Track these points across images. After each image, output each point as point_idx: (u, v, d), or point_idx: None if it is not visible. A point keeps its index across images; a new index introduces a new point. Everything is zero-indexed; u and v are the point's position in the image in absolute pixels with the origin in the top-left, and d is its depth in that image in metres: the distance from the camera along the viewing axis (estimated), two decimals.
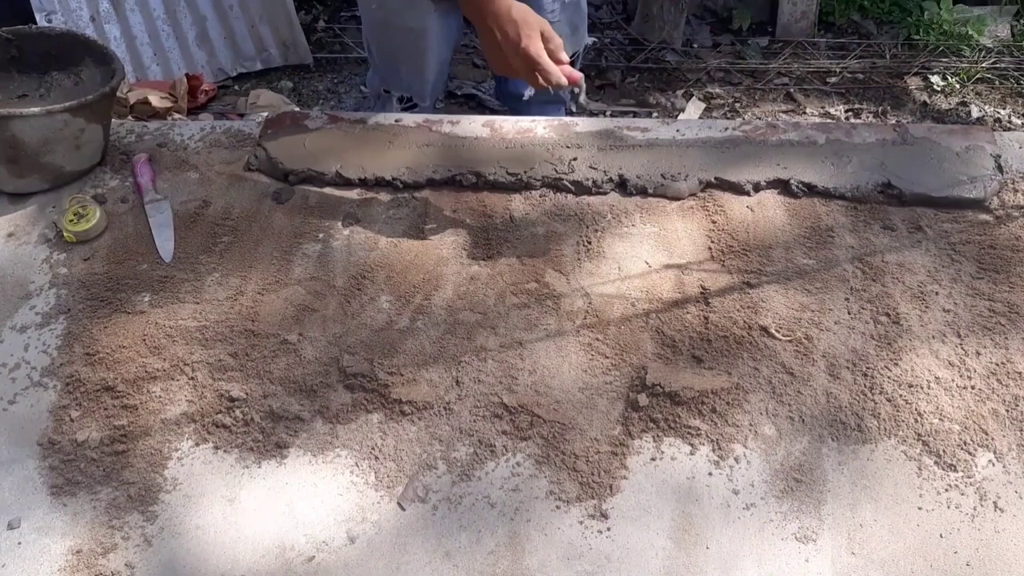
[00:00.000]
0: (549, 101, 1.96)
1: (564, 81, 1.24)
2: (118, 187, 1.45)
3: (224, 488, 1.06)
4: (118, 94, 1.65)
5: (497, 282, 1.27)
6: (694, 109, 2.68)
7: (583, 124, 1.52)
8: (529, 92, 1.88)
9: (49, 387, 1.16)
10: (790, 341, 1.17)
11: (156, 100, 2.39)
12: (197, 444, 1.10)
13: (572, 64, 1.92)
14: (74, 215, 1.35)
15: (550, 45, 1.24)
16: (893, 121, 2.62)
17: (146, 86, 2.51)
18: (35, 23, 2.39)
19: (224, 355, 1.18)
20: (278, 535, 1.01)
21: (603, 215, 1.37)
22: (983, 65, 2.79)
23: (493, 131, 1.51)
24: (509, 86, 1.96)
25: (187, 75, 2.60)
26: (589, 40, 2.04)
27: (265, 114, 1.65)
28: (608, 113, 1.24)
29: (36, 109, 1.35)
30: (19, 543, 1.01)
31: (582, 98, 1.30)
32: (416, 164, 1.44)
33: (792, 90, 2.78)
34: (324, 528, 1.02)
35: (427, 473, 1.06)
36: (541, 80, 1.24)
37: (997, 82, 2.76)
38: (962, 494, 1.02)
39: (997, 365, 1.14)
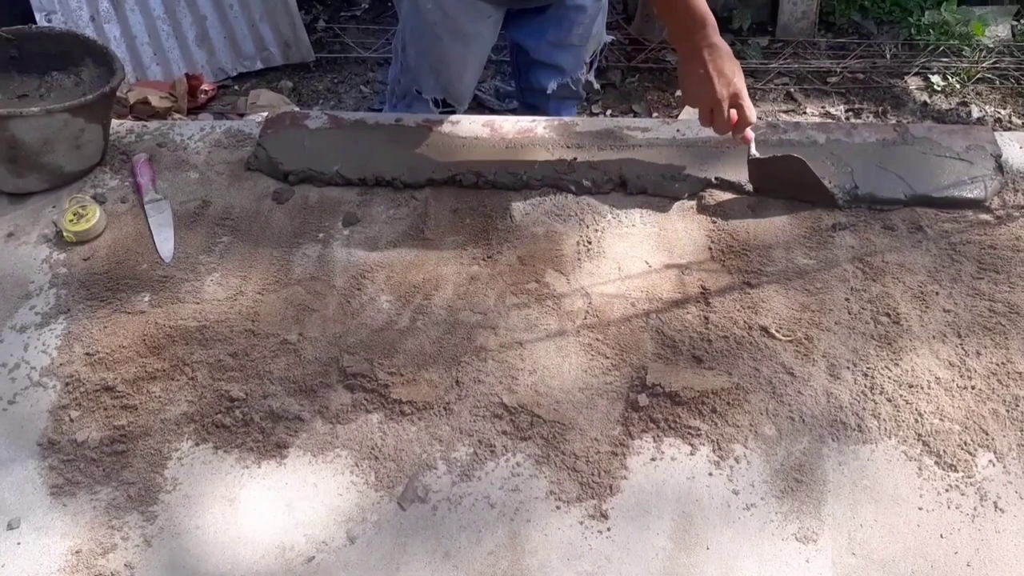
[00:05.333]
0: (568, 97, 1.98)
1: (754, 120, 1.33)
2: (118, 187, 1.45)
3: (224, 488, 1.06)
4: (118, 94, 1.65)
5: (497, 282, 1.27)
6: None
7: (583, 124, 1.52)
8: (552, 86, 1.91)
9: (49, 387, 1.16)
10: (790, 341, 1.17)
11: (156, 100, 2.39)
12: (197, 444, 1.10)
13: (591, 63, 1.96)
14: (74, 215, 1.35)
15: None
16: (893, 121, 2.62)
17: (146, 86, 2.51)
18: (35, 23, 2.39)
19: (224, 355, 1.18)
20: (278, 535, 1.01)
21: (603, 215, 1.37)
22: (983, 65, 2.79)
23: (493, 131, 1.51)
24: (531, 80, 1.98)
25: (187, 75, 2.60)
26: (608, 38, 2.05)
27: (265, 114, 1.65)
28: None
29: (36, 109, 1.35)
30: (19, 543, 1.01)
31: (753, 149, 1.36)
32: (416, 164, 1.44)
33: (792, 90, 2.78)
34: (324, 528, 1.02)
35: (427, 473, 1.06)
36: (728, 118, 1.31)
37: (998, 82, 2.76)
38: (962, 494, 1.01)
39: (997, 365, 1.13)
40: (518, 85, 2.11)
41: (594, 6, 1.83)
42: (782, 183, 1.36)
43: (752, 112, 1.32)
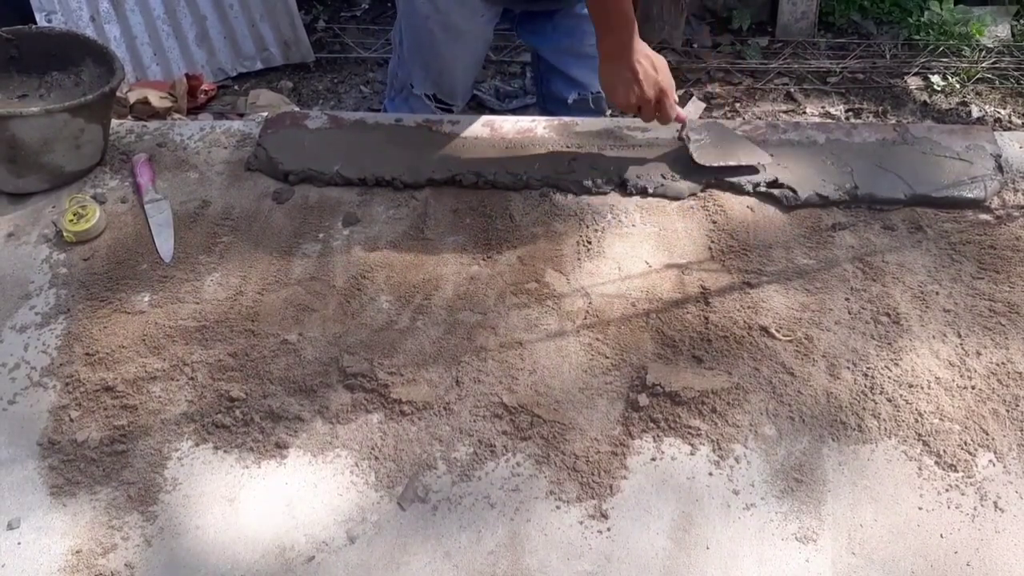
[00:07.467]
0: (586, 112, 1.97)
1: (683, 116, 1.41)
2: (118, 187, 1.45)
3: (224, 488, 1.06)
4: (118, 94, 1.65)
5: (497, 282, 1.27)
6: (694, 109, 2.68)
7: (583, 124, 1.52)
8: (573, 95, 1.90)
9: (49, 387, 1.16)
10: (790, 341, 1.17)
11: (156, 100, 2.39)
12: (197, 444, 1.10)
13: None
14: (74, 215, 1.35)
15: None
16: (893, 121, 2.62)
17: (146, 86, 2.51)
18: (35, 23, 2.39)
19: (224, 355, 1.18)
20: (278, 535, 1.01)
21: (603, 215, 1.36)
22: (983, 65, 2.79)
23: (493, 131, 1.51)
24: (551, 88, 1.97)
25: (187, 75, 2.60)
26: None
27: (265, 114, 1.65)
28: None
29: (36, 109, 1.35)
30: (19, 543, 1.01)
31: (685, 131, 1.42)
32: (416, 164, 1.44)
33: (792, 90, 2.78)
34: (324, 528, 1.02)
35: (427, 473, 1.06)
36: (660, 113, 1.37)
37: (997, 82, 2.76)
38: (962, 494, 1.02)
39: (997, 365, 1.13)
40: (539, 92, 2.11)
41: None
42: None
43: (673, 111, 1.37)
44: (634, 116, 1.40)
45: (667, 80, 1.36)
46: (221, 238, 1.35)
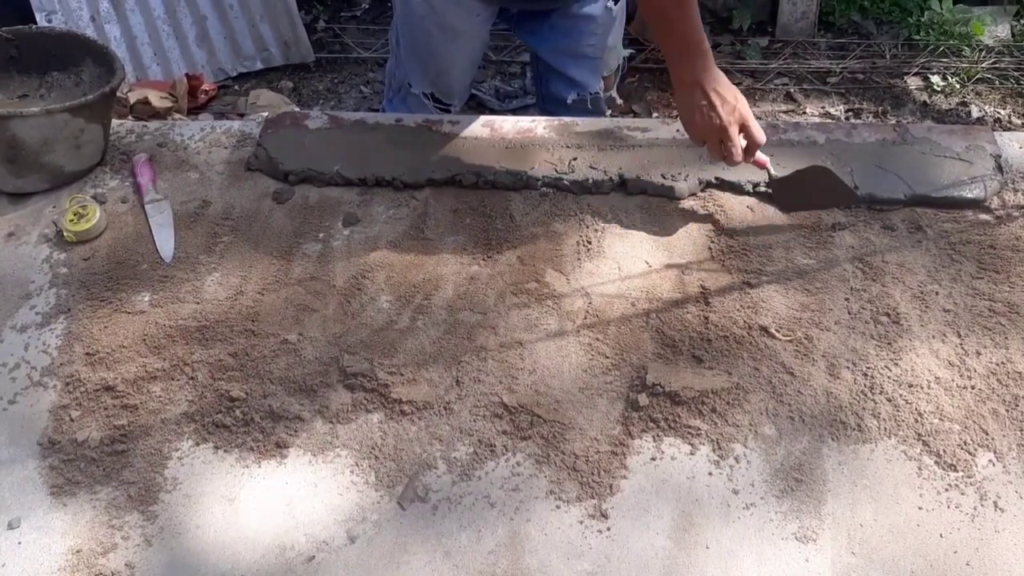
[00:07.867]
0: (585, 112, 1.97)
1: (764, 160, 1.32)
2: (118, 187, 1.45)
3: (224, 488, 1.06)
4: (118, 94, 1.65)
5: (497, 282, 1.27)
6: None
7: (583, 124, 1.52)
8: (572, 96, 1.90)
9: (49, 387, 1.16)
10: (790, 341, 1.17)
11: (156, 100, 2.39)
12: (197, 444, 1.10)
13: (616, 79, 1.93)
14: (74, 215, 1.35)
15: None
16: (893, 121, 2.62)
17: (146, 86, 2.52)
18: (35, 23, 2.39)
19: (224, 355, 1.18)
20: (278, 535, 1.01)
21: (603, 215, 1.37)
22: (983, 65, 2.79)
23: (493, 131, 1.51)
24: (551, 89, 1.97)
25: (187, 75, 2.60)
26: (625, 52, 2.04)
27: (265, 114, 1.65)
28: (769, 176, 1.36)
29: (36, 109, 1.35)
30: (19, 543, 1.01)
31: (773, 171, 1.35)
32: (416, 164, 1.44)
33: (792, 90, 2.78)
34: (324, 528, 1.02)
35: (427, 473, 1.06)
36: (748, 142, 1.27)
37: (997, 82, 2.76)
38: (962, 494, 1.02)
39: (997, 365, 1.14)
40: (538, 92, 2.11)
41: (605, 16, 1.80)
42: (807, 194, 1.34)
43: (761, 134, 1.28)
44: (721, 159, 1.29)
45: (747, 109, 1.27)
46: (221, 238, 1.36)
